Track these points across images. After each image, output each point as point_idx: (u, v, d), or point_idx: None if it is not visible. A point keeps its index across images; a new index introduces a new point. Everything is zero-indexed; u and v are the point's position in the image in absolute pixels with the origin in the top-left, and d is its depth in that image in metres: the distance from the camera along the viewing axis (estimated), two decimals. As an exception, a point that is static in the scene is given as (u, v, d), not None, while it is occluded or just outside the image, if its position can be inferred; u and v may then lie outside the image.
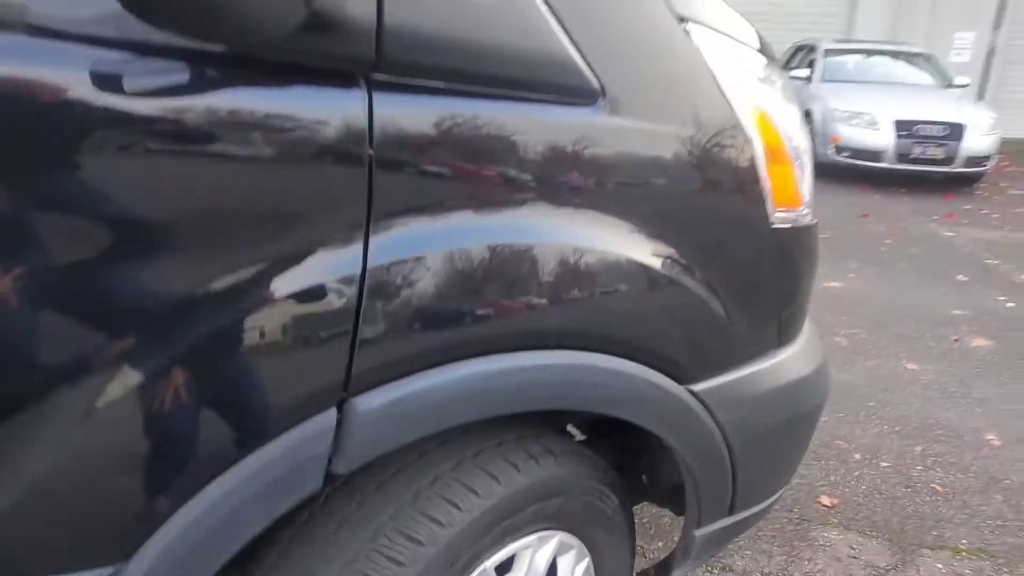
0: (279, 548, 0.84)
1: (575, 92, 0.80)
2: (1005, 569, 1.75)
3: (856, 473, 2.13)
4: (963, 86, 7.69)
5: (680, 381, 0.96)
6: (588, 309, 0.85)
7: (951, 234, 5.16)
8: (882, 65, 8.00)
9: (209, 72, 0.61)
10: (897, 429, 2.38)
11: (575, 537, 1.05)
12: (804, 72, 7.66)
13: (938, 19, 10.74)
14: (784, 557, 1.76)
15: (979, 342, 3.17)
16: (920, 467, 2.18)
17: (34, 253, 0.57)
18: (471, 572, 0.90)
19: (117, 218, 0.59)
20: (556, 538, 1.02)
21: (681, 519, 1.17)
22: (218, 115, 0.61)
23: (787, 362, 1.13)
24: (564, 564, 1.06)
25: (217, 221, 0.63)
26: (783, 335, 1.13)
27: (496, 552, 0.93)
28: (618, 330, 0.89)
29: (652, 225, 0.89)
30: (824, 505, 1.97)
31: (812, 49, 8.19)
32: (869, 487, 2.06)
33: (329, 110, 0.65)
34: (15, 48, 0.55)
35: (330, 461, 0.74)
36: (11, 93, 0.54)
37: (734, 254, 1.00)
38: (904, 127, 6.54)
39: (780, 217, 1.04)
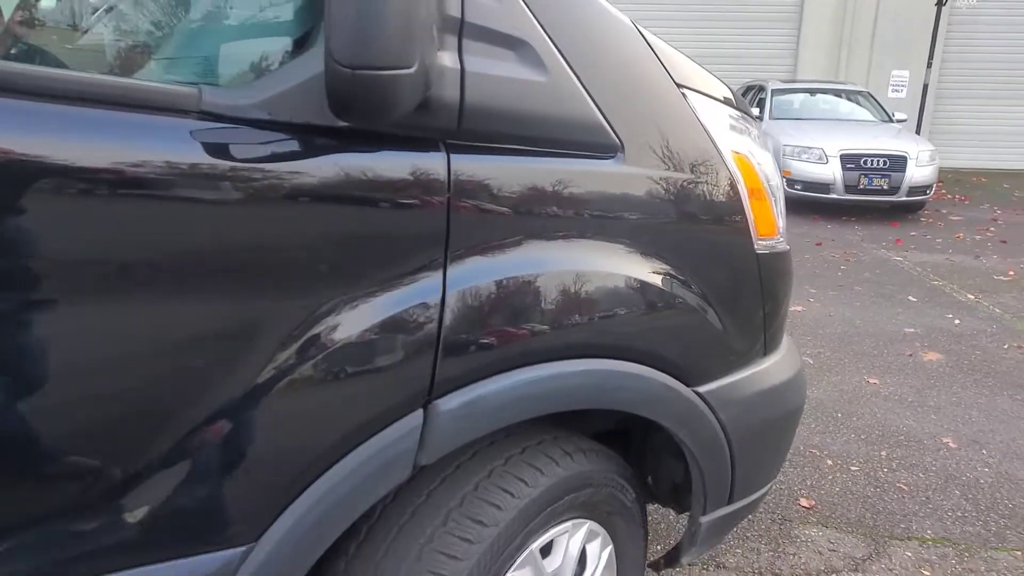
0: (358, 541, 0.98)
1: (601, 148, 0.99)
2: (966, 554, 1.95)
3: (829, 477, 2.32)
4: (902, 120, 8.20)
5: (687, 384, 1.14)
6: (616, 324, 1.03)
7: (900, 259, 5.51)
8: (826, 103, 8.50)
9: (335, 142, 0.78)
10: (863, 437, 2.60)
11: (601, 526, 1.21)
12: (754, 111, 8.10)
13: (876, 58, 11.43)
14: (771, 553, 1.93)
15: (931, 356, 3.43)
16: (886, 469, 2.38)
17: (249, 290, 0.73)
18: (521, 552, 1.05)
19: (283, 254, 0.76)
20: (586, 526, 1.18)
21: (672, 524, 1.34)
22: (342, 174, 0.78)
23: (772, 368, 1.33)
24: (592, 549, 1.21)
25: (337, 256, 0.80)
26: (768, 345, 1.32)
27: (541, 535, 1.09)
28: (639, 341, 1.06)
29: (663, 253, 1.08)
30: (803, 506, 2.16)
31: (761, 89, 8.67)
32: (842, 489, 2.26)
33: (419, 168, 0.83)
34: (188, 126, 0.71)
35: (416, 454, 0.89)
36: (191, 162, 0.70)
37: (726, 276, 1.19)
38: (850, 160, 6.96)
39: (761, 244, 1.24)
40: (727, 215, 1.17)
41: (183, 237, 0.71)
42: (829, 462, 2.41)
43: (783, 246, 1.33)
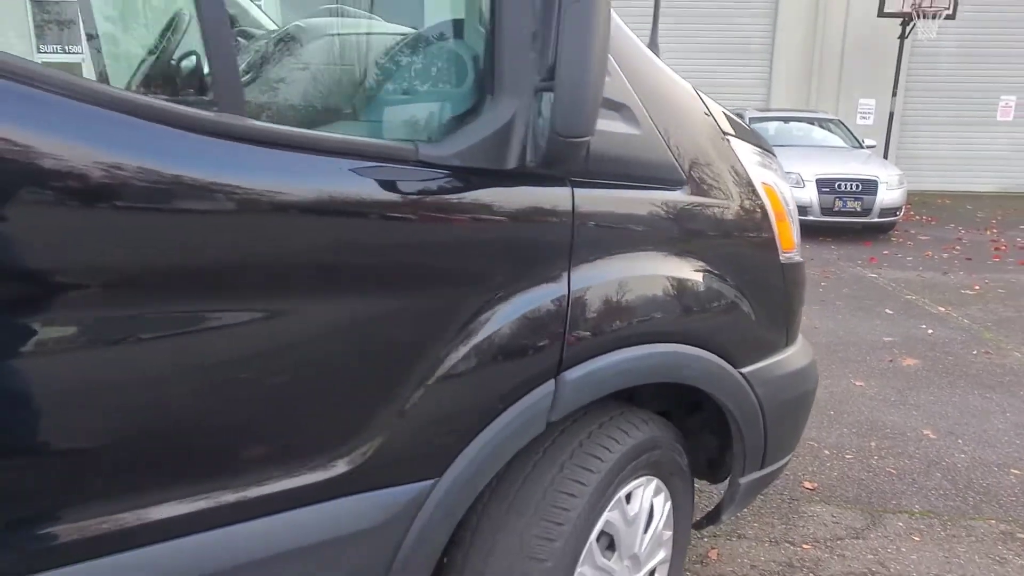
0: (491, 487, 1.26)
1: (672, 182, 1.31)
2: (949, 523, 2.27)
3: (828, 464, 2.64)
4: (871, 147, 8.72)
5: (734, 365, 1.45)
6: (685, 317, 1.33)
7: (875, 275, 5.92)
8: (800, 130, 9.00)
9: (502, 181, 1.08)
10: (854, 430, 2.92)
11: (664, 484, 1.50)
12: (734, 138, 8.54)
13: (844, 88, 12.06)
14: (784, 526, 2.24)
15: (909, 362, 3.79)
16: (876, 457, 2.71)
17: (449, 287, 1.02)
18: (613, 497, 1.34)
19: (459, 266, 1.05)
20: (654, 483, 1.47)
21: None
22: (507, 203, 1.08)
23: (793, 356, 1.64)
24: (657, 504, 1.50)
25: (502, 262, 1.09)
26: (789, 337, 1.64)
27: (626, 485, 1.37)
28: (701, 331, 1.37)
29: (714, 262, 1.39)
30: (807, 488, 2.47)
31: (740, 116, 9.13)
32: (839, 473, 2.57)
33: (555, 199, 1.13)
34: (410, 173, 1.01)
35: (549, 413, 1.18)
36: (406, 202, 1.00)
37: (759, 281, 1.51)
38: (825, 184, 7.41)
39: (784, 256, 1.56)
40: (759, 233, 1.49)
41: (410, 249, 1.00)
42: (826, 452, 2.73)
43: (799, 258, 1.65)
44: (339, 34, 1.29)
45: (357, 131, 1.15)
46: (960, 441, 2.86)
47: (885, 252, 6.98)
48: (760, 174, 1.51)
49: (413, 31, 1.19)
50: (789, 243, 1.58)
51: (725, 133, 1.44)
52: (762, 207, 1.49)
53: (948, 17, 10.73)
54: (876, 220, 7.51)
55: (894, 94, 11.10)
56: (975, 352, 3.97)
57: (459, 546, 1.24)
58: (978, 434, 2.92)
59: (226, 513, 0.93)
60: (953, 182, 12.40)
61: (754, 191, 1.48)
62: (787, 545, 2.14)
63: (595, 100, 0.95)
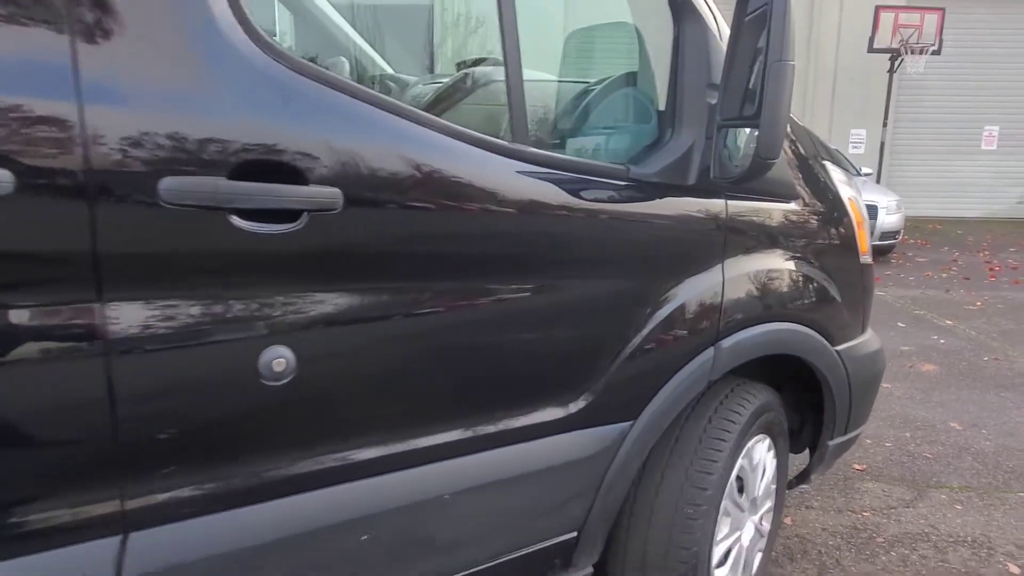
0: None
1: (790, 196, 1.67)
2: (984, 496, 2.61)
3: (872, 450, 2.98)
4: (868, 174, 9.21)
5: (831, 344, 1.80)
6: (800, 302, 1.69)
7: (883, 293, 6.32)
8: (800, 158, 9.48)
9: (683, 193, 1.43)
10: (889, 424, 3.27)
11: (773, 443, 1.84)
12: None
13: (836, 119, 12.62)
14: (843, 498, 2.57)
15: (928, 367, 4.16)
16: (912, 444, 3.05)
17: (648, 273, 1.37)
18: (743, 448, 1.67)
19: (638, 256, 1.40)
20: (767, 441, 1.80)
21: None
22: (686, 211, 1.43)
23: (868, 341, 1.99)
24: (768, 459, 1.83)
25: (681, 255, 1.44)
26: (864, 325, 1.99)
27: (751, 440, 1.71)
28: (810, 314, 1.72)
29: (816, 261, 1.75)
30: (857, 469, 2.80)
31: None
32: (883, 458, 2.92)
33: (716, 208, 1.49)
34: (624, 187, 1.36)
35: (710, 373, 1.52)
36: (625, 213, 1.35)
37: (846, 277, 1.86)
38: (829, 209, 7.84)
39: (862, 258, 1.92)
40: (846, 239, 1.85)
41: (625, 241, 1.35)
42: (869, 441, 3.07)
43: (869, 260, 2.01)
44: (565, 81, 1.65)
45: (587, 156, 1.49)
46: (984, 431, 3.21)
47: (887, 272, 7.40)
48: (845, 191, 1.87)
49: (617, 83, 1.55)
50: (864, 248, 1.94)
51: (824, 164, 1.81)
52: (848, 218, 1.86)
53: (934, 53, 11.36)
54: (877, 243, 7.95)
55: (884, 125, 11.68)
56: (985, 358, 4.35)
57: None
58: (999, 426, 3.28)
59: (500, 438, 1.26)
60: (942, 208, 12.94)
61: (843, 204, 1.84)
62: (849, 513, 2.47)
63: (784, 133, 1.30)
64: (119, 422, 0.90)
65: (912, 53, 11.33)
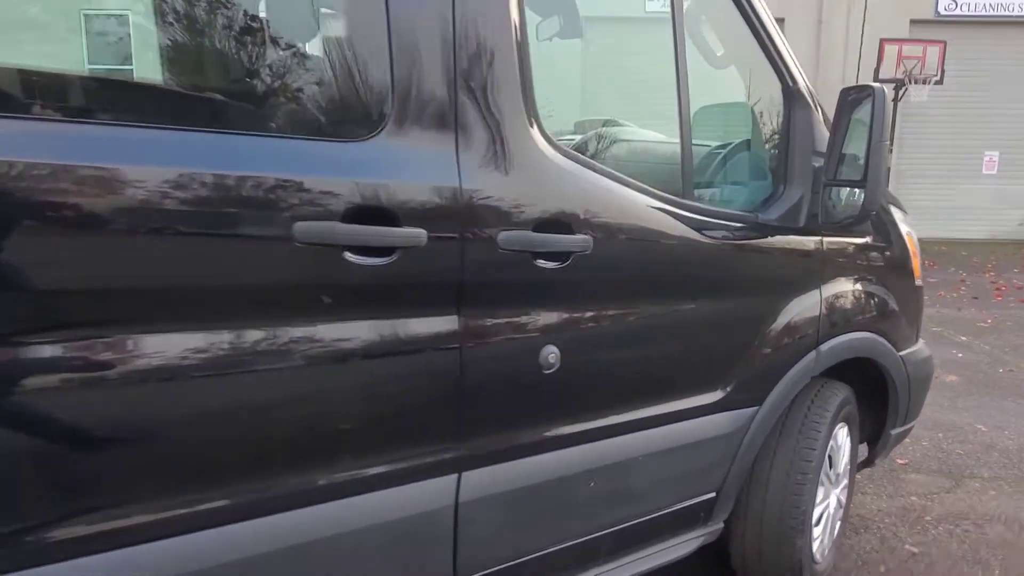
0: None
1: (867, 233, 2.13)
2: (1014, 484, 3.04)
3: (911, 448, 3.41)
4: (878, 199, 9.69)
5: (896, 350, 2.25)
6: (875, 315, 2.14)
7: (899, 312, 6.77)
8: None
9: (795, 233, 1.88)
10: (923, 427, 3.70)
11: (850, 431, 2.27)
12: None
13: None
14: (892, 487, 3.00)
15: (951, 378, 4.60)
16: (945, 443, 3.49)
17: (768, 293, 1.83)
18: (832, 432, 2.10)
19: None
20: (845, 428, 2.24)
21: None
22: (794, 246, 1.88)
23: (921, 349, 2.44)
24: (847, 444, 2.27)
25: (794, 279, 1.89)
26: (917, 335, 2.44)
27: (836, 426, 2.14)
28: (881, 325, 2.17)
29: (884, 282, 2.20)
30: (900, 463, 3.24)
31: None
32: (922, 454, 3.35)
33: (816, 244, 1.94)
34: (754, 229, 1.81)
35: (812, 369, 1.96)
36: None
37: (905, 296, 2.31)
38: (844, 233, 8.32)
39: (917, 281, 2.38)
40: (906, 266, 2.31)
41: (756, 270, 1.81)
42: (907, 441, 3.49)
43: (920, 283, 2.46)
44: (704, 146, 2.12)
45: (724, 206, 1.95)
46: (1007, 433, 3.64)
47: (901, 292, 7.85)
48: (904, 228, 2.33)
49: (739, 148, 2.02)
50: (918, 273, 2.40)
51: (886, 208, 2.27)
52: (906, 249, 2.31)
53: (937, 83, 11.94)
54: (890, 264, 8.40)
55: (890, 151, 12.21)
56: (1001, 370, 4.80)
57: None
58: (1020, 428, 3.71)
59: (671, 417, 1.70)
60: (947, 230, 13.43)
61: (902, 239, 2.30)
62: (899, 497, 2.90)
63: (882, 192, 1.77)
64: (465, 401, 1.34)
65: (916, 83, 11.90)
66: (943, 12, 13.14)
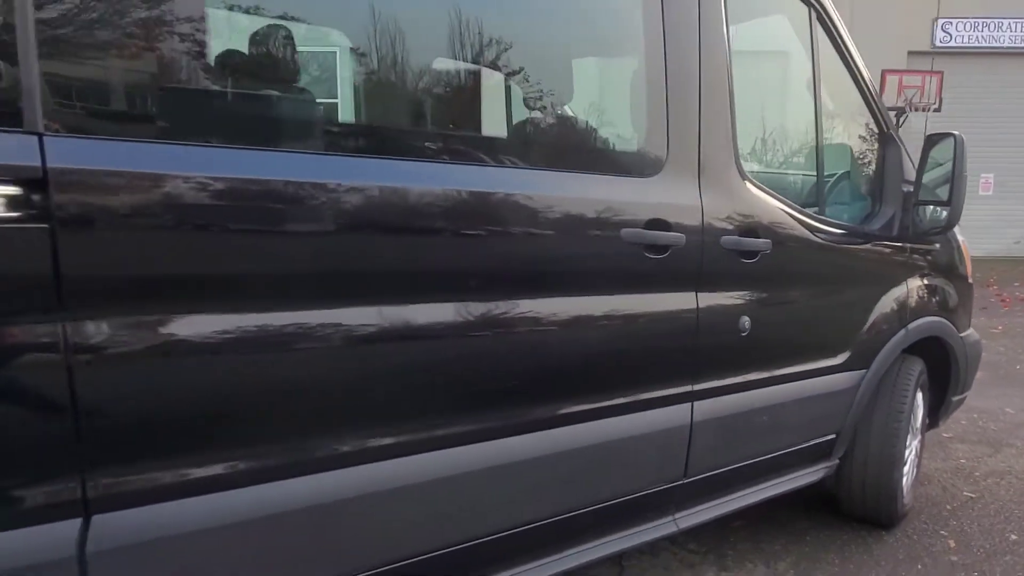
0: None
1: (936, 241, 2.78)
2: (1041, 451, 3.68)
3: (953, 426, 4.04)
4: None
5: (958, 331, 2.89)
6: (943, 302, 2.79)
7: (917, 320, 7.45)
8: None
9: (878, 241, 2.54)
10: (959, 412, 4.32)
11: (923, 395, 2.90)
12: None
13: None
14: (943, 453, 3.63)
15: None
16: (981, 422, 4.13)
17: (868, 283, 2.49)
18: (914, 394, 2.73)
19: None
20: (920, 394, 2.87)
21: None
22: (880, 250, 2.54)
23: (972, 333, 3.09)
24: (921, 406, 2.89)
25: (884, 273, 2.54)
26: (968, 322, 3.09)
27: (916, 390, 2.77)
28: (948, 311, 2.82)
29: (948, 279, 2.86)
30: (946, 436, 3.87)
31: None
32: (963, 430, 3.98)
33: (904, 248, 2.60)
34: (861, 238, 2.46)
35: (902, 343, 2.60)
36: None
37: (961, 290, 2.96)
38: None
39: (969, 279, 3.03)
40: (962, 266, 2.97)
41: (861, 266, 2.46)
42: (949, 421, 4.14)
43: (972, 281, 3.11)
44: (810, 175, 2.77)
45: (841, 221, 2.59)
46: (1031, 414, 4.29)
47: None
48: (959, 237, 2.98)
49: (843, 177, 2.68)
50: (969, 273, 3.05)
51: (950, 227, 2.93)
52: (962, 254, 2.97)
53: (935, 110, 12.76)
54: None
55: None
56: (1018, 367, 5.45)
57: (855, 412, 2.64)
58: (1041, 410, 4.37)
59: (810, 374, 2.33)
60: (947, 248, 14.17)
61: (960, 245, 2.95)
62: (950, 460, 3.53)
63: (961, 212, 2.42)
64: (698, 353, 1.97)
65: (916, 110, 12.70)
66: (939, 44, 14.01)
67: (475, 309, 1.53)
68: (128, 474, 1.18)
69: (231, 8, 1.35)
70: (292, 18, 1.51)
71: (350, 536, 1.43)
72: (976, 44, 14.08)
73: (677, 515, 2.07)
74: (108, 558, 1.17)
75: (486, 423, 1.57)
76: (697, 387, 1.99)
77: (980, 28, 14.15)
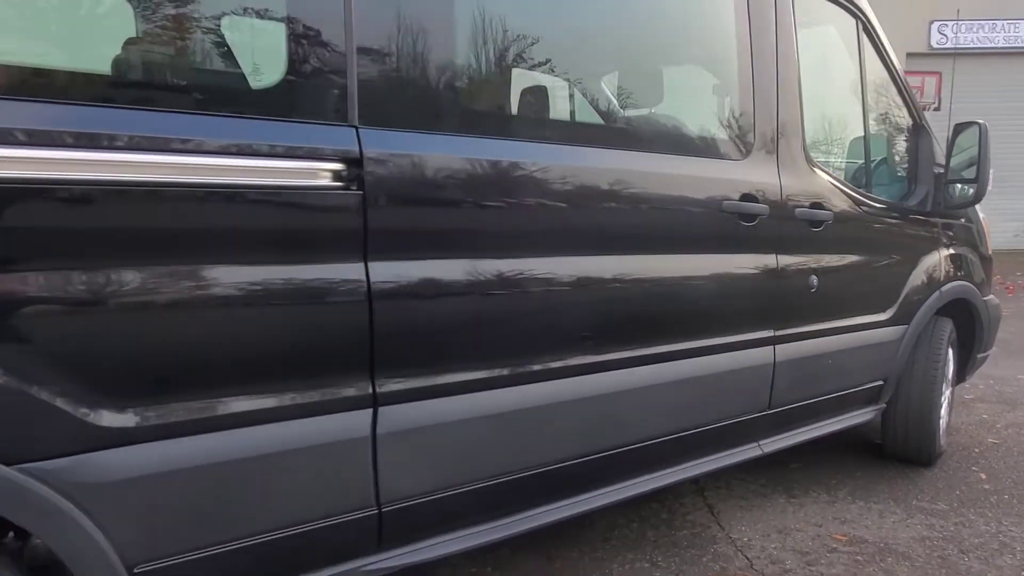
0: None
1: (962, 216, 3.23)
2: (1054, 407, 4.12)
3: (971, 390, 4.48)
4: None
5: (982, 295, 3.33)
6: (969, 271, 3.23)
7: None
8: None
9: (915, 214, 2.98)
10: (978, 378, 4.77)
11: (953, 351, 3.33)
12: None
13: (852, 167, 14.39)
14: (966, 411, 4.06)
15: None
16: (997, 387, 4.57)
17: (903, 250, 2.93)
18: (946, 348, 3.16)
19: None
20: (951, 350, 3.30)
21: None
22: (913, 221, 2.98)
23: (993, 298, 3.53)
24: (952, 361, 3.32)
25: (920, 245, 2.99)
26: (989, 288, 3.53)
27: (948, 346, 3.20)
28: (972, 277, 3.27)
29: (973, 250, 3.30)
30: (968, 398, 4.30)
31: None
32: (981, 393, 4.42)
33: (936, 222, 3.04)
34: (903, 212, 2.91)
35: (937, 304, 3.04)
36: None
37: (982, 260, 3.41)
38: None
39: (988, 253, 3.47)
40: (982, 240, 3.41)
41: (904, 238, 2.91)
42: (967, 386, 4.58)
43: (990, 254, 3.55)
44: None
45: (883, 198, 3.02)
46: (1041, 379, 4.73)
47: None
48: (980, 214, 3.42)
49: (883, 161, 3.11)
50: (989, 247, 3.49)
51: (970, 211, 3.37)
52: (982, 228, 3.41)
53: (935, 109, 13.23)
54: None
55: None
56: (1026, 343, 5.90)
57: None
58: (1050, 376, 4.81)
59: (864, 327, 2.77)
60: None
61: (980, 221, 3.40)
62: (973, 416, 3.97)
63: (987, 189, 2.86)
64: (779, 307, 2.40)
65: (916, 110, 13.18)
66: (935, 45, 14.53)
67: (626, 263, 1.98)
68: (405, 379, 1.61)
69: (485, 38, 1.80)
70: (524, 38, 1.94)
71: (564, 430, 1.90)
72: (971, 45, 14.60)
73: (762, 441, 2.51)
74: (389, 437, 1.60)
75: (635, 352, 2.01)
76: (778, 333, 2.42)
77: (975, 30, 14.70)
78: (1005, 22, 14.43)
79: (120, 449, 1.31)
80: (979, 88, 14.60)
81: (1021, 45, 14.47)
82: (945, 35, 14.58)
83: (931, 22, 14.48)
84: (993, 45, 14.69)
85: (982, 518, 2.73)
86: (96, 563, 1.30)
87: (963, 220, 3.26)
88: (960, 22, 14.23)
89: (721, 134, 2.31)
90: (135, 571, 1.36)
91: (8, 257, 1.19)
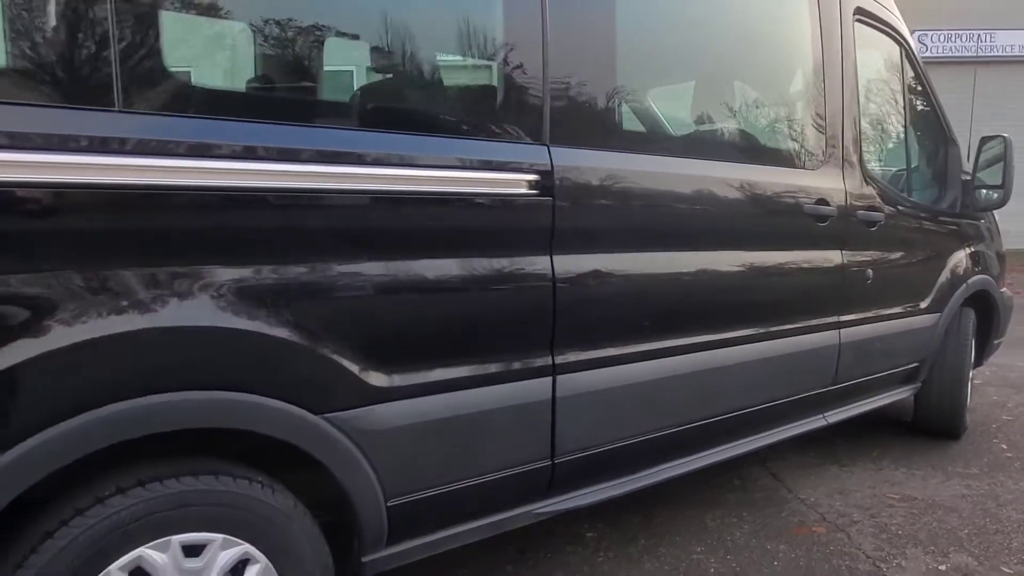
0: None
1: (982, 217, 3.65)
2: (1055, 389, 4.57)
3: (982, 376, 4.91)
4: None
5: (998, 287, 3.75)
6: (987, 266, 3.65)
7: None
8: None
9: (941, 215, 3.39)
10: (987, 367, 5.22)
11: (974, 337, 3.74)
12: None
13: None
14: (978, 394, 4.49)
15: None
16: (1002, 373, 5.01)
17: (940, 245, 3.34)
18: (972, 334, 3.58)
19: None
20: (974, 338, 3.71)
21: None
22: (939, 221, 3.40)
23: (1006, 291, 3.96)
24: (974, 345, 3.73)
25: (949, 243, 3.40)
26: (1002, 282, 3.95)
27: (971, 332, 3.61)
28: (990, 272, 3.69)
29: (989, 246, 3.72)
30: (978, 383, 4.73)
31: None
32: (988, 378, 4.86)
33: (962, 221, 3.46)
34: (934, 215, 3.32)
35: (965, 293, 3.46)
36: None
37: (997, 256, 3.83)
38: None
39: (1002, 248, 3.90)
40: (997, 236, 3.83)
41: (937, 237, 3.33)
42: (987, 372, 5.02)
43: (1004, 251, 3.97)
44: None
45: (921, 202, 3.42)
46: (1041, 366, 5.20)
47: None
48: (997, 215, 3.85)
49: (916, 168, 3.52)
50: (1001, 244, 3.92)
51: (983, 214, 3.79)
52: (998, 228, 3.83)
53: (918, 116, 13.86)
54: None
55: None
56: None
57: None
58: (1048, 363, 5.27)
59: (903, 315, 3.16)
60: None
61: (995, 222, 3.82)
62: (985, 397, 4.40)
63: (1011, 190, 3.28)
64: (842, 294, 2.79)
65: (901, 116, 13.79)
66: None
67: (739, 257, 2.40)
68: (578, 352, 1.96)
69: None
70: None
71: (690, 396, 2.31)
72: (947, 55, 15.27)
73: (827, 413, 2.89)
74: (566, 401, 1.95)
75: (741, 332, 2.40)
76: (842, 318, 2.81)
77: (953, 40, 15.38)
78: (982, 32, 15.12)
79: (384, 404, 1.64)
80: (963, 93, 15.27)
81: (999, 54, 15.18)
82: (925, 44, 15.24)
83: (913, 32, 15.06)
84: (972, 55, 15.37)
85: (1011, 479, 3.13)
86: (369, 495, 1.64)
87: (982, 221, 3.68)
88: (940, 32, 14.91)
89: (803, 148, 2.70)
90: (388, 504, 1.69)
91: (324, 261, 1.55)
